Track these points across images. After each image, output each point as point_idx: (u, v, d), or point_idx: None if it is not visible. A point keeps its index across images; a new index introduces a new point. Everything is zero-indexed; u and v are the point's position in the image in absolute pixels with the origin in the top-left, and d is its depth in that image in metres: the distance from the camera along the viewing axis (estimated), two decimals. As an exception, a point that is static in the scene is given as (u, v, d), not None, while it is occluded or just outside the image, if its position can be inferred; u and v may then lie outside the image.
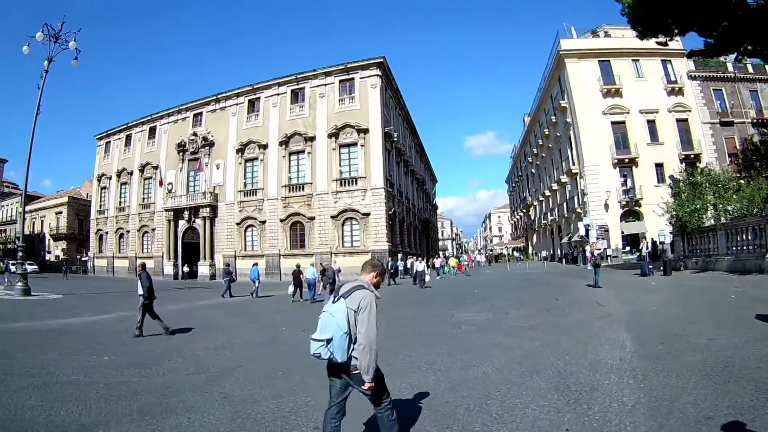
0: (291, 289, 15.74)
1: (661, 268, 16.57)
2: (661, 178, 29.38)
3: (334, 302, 2.86)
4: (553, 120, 37.52)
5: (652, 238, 20.97)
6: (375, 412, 3.03)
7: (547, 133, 40.49)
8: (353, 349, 2.79)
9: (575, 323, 7.91)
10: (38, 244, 60.25)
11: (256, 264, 19.28)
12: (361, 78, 29.76)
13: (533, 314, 9.21)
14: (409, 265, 23.72)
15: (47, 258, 56.14)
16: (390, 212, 28.43)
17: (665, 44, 15.06)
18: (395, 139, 31.31)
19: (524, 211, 60.12)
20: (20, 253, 18.26)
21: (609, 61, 31.81)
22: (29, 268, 41.27)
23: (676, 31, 13.77)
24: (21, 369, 5.62)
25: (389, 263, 21.19)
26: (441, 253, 56.90)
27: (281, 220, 30.86)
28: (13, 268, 31.93)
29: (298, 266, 16.62)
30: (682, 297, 10.87)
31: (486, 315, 9.58)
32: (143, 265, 9.34)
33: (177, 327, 9.24)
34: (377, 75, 29.30)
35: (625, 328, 7.02)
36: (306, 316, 11.32)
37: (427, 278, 17.22)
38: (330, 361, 2.83)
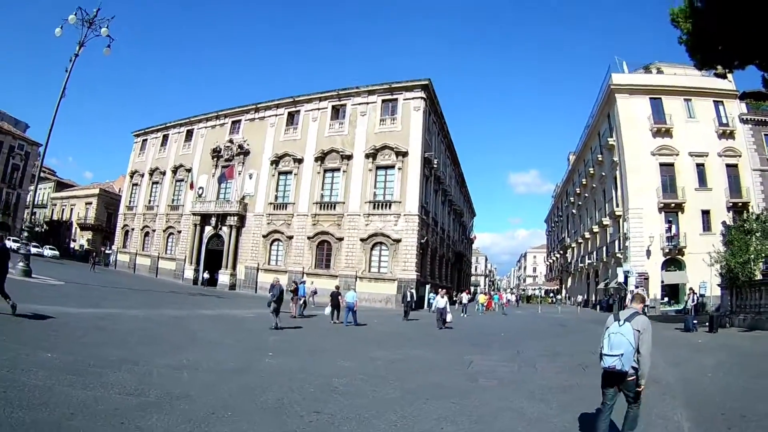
0: (328, 309, 16.54)
1: (706, 323, 16.09)
2: (707, 226, 29.09)
3: (620, 325, 3.81)
4: (599, 159, 37.39)
5: (695, 290, 20.42)
6: (629, 408, 4.03)
7: (591, 172, 40.37)
8: (633, 360, 3.79)
9: (616, 390, 7.06)
10: (65, 230, 63.60)
11: (303, 282, 20.05)
12: (404, 99, 30.45)
13: (566, 370, 8.43)
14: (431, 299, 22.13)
15: (72, 246, 59.24)
16: (422, 240, 28.67)
17: (724, 76, 14.94)
18: (435, 166, 31.79)
19: (561, 252, 59.96)
20: (25, 233, 19.44)
21: (660, 98, 31.85)
22: (50, 252, 44.02)
23: (736, 62, 13.55)
24: None
25: (408, 294, 20.28)
26: (474, 288, 56.73)
27: (309, 238, 31.44)
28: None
29: (338, 288, 17.83)
30: (737, 361, 9.94)
31: (510, 366, 8.81)
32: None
33: (158, 334, 9.36)
34: (421, 98, 29.97)
35: (679, 402, 6.12)
36: (306, 341, 11.33)
37: (449, 317, 16.15)
38: (612, 373, 3.79)
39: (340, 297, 16.51)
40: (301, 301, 17.86)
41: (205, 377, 6.09)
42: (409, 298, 19.76)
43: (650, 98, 31.91)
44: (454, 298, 29.89)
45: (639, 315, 3.94)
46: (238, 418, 4.44)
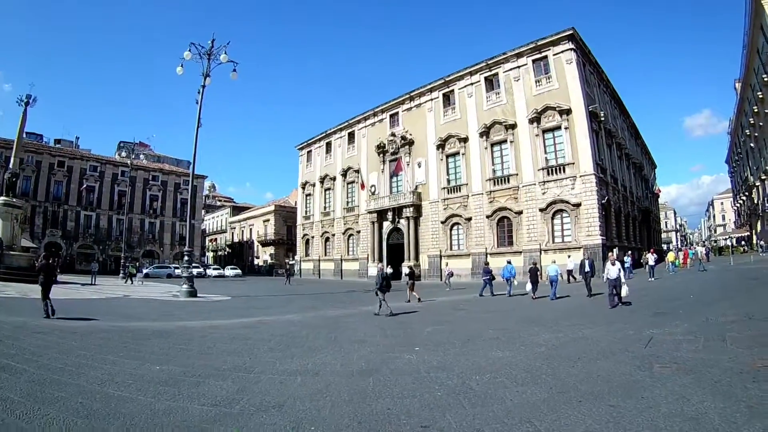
0: (529, 286, 20.65)
1: None
2: None
3: None
4: (765, 79, 37.34)
5: None
6: None
7: (761, 96, 40.17)
8: None
9: None
10: (246, 249, 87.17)
11: (509, 261, 24.62)
12: (554, 55, 36.23)
13: (759, 342, 8.32)
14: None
15: (255, 263, 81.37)
16: (603, 201, 34.03)
17: None
18: (602, 119, 36.91)
19: (746, 194, 58.74)
20: (186, 257, 24.67)
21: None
22: (231, 272, 64.63)
23: None
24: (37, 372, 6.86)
25: (585, 264, 20.84)
26: (665, 246, 58.51)
27: (487, 216, 39.62)
28: (144, 272, 47.29)
29: (535, 263, 22.33)
30: None
31: (695, 341, 8.77)
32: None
33: (299, 338, 11.31)
34: (570, 49, 35.34)
35: None
36: (469, 327, 12.96)
37: (625, 290, 15.29)
38: None
39: (538, 272, 20.66)
40: (510, 282, 22.43)
41: (319, 382, 6.81)
42: (587, 269, 20.22)
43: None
44: (641, 260, 33.83)
45: None
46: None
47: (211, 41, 24.06)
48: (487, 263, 26.06)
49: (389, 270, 45.56)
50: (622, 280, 15.49)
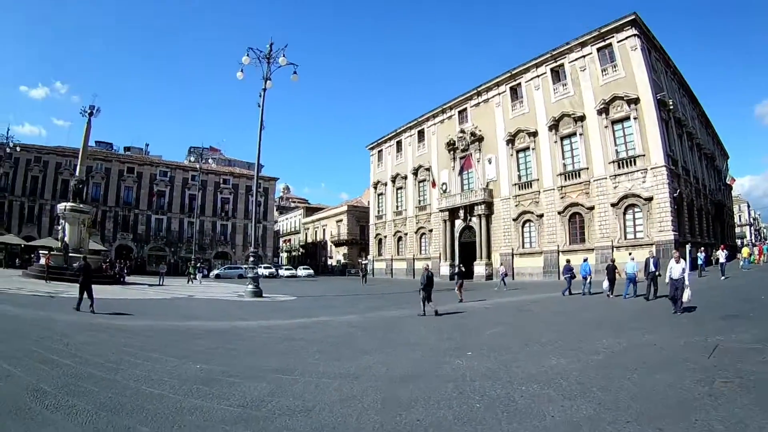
0: (606, 284, 21.66)
1: None
2: None
3: None
4: None
5: None
6: None
7: None
8: None
9: None
10: (320, 250, 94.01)
11: (586, 259, 26.73)
12: (618, 42, 38.02)
13: None
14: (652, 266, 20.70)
15: (328, 263, 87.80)
16: (675, 194, 35.53)
17: None
18: (671, 107, 38.37)
19: None
20: (251, 258, 27.08)
21: None
22: (304, 272, 73.24)
23: None
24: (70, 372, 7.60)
25: (650, 262, 20.55)
26: (739, 241, 57.84)
27: (559, 213, 41.86)
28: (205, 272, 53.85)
29: (613, 261, 23.79)
30: None
31: (763, 350, 8.79)
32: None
33: (351, 340, 12.22)
34: (634, 35, 37.00)
35: None
36: (533, 330, 13.45)
37: (687, 294, 14.08)
38: None
39: (616, 270, 21.54)
40: (587, 281, 23.85)
41: (356, 387, 7.21)
42: (652, 267, 20.07)
43: None
44: (711, 257, 34.71)
45: None
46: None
47: (270, 45, 26.38)
48: (568, 261, 27.20)
49: (449, 271, 48.95)
50: (686, 282, 14.44)
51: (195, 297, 27.25)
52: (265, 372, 8.21)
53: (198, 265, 54.94)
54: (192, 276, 44.27)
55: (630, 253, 26.06)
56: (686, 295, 14.21)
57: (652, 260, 20.61)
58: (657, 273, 19.89)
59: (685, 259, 16.99)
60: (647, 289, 19.76)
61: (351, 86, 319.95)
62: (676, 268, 14.88)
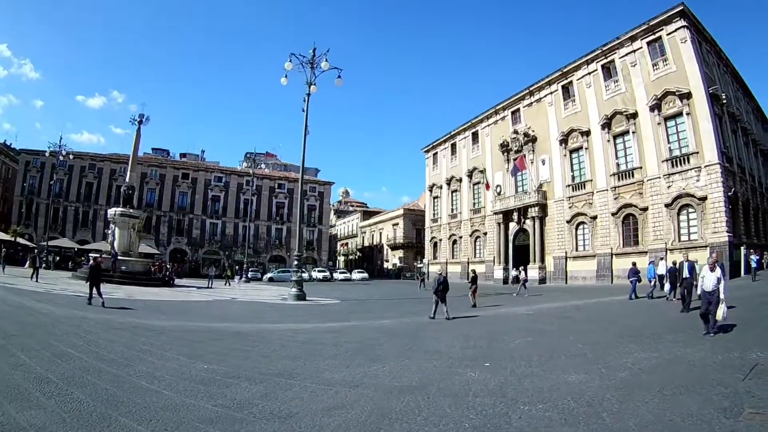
0: (668, 287, 22.18)
1: None
2: None
3: None
4: None
5: None
6: None
7: None
8: None
9: None
10: (376, 253, 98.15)
11: (652, 262, 27.97)
12: (667, 35, 38.43)
13: None
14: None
15: (384, 266, 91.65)
16: (729, 193, 35.40)
17: None
18: (724, 101, 38.32)
19: None
20: (296, 262, 28.52)
21: None
22: (358, 276, 76.96)
23: None
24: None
25: (684, 267, 19.57)
26: None
27: (612, 214, 42.49)
28: (248, 275, 56.68)
29: (675, 263, 22.11)
30: None
31: None
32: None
33: (373, 345, 12.48)
34: (684, 26, 37.27)
35: None
36: (564, 340, 12.93)
37: (722, 311, 11.91)
38: None
39: (677, 273, 20.81)
40: (652, 283, 24.72)
41: (351, 396, 7.38)
42: (686, 274, 18.62)
43: None
44: (762, 260, 33.50)
45: None
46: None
47: (313, 50, 27.85)
48: (634, 263, 27.29)
49: (502, 274, 50.78)
50: (721, 295, 11.97)
51: (237, 299, 28.82)
52: (267, 375, 8.58)
53: (236, 267, 58.41)
54: (229, 278, 46.80)
55: (696, 260, 24.57)
56: (720, 312, 11.94)
57: (686, 265, 18.85)
58: (692, 281, 17.58)
59: (723, 267, 14.96)
60: (681, 297, 18.49)
61: (413, 88, 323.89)
62: (709, 278, 12.49)
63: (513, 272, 49.95)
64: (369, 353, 11.19)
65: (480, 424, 5.94)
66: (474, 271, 27.39)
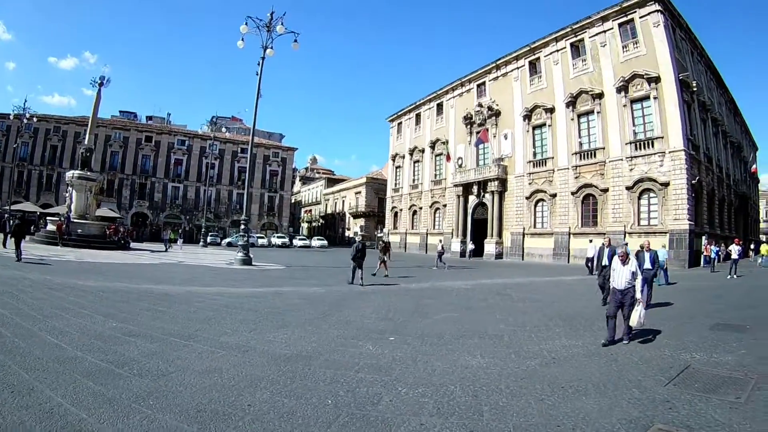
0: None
1: None
2: None
3: None
4: None
5: None
6: None
7: None
8: None
9: None
10: (338, 221, 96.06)
11: (664, 246, 27.45)
12: (640, 18, 36.86)
13: None
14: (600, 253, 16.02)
15: (346, 234, 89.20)
16: (693, 181, 34.47)
17: None
18: (694, 89, 37.14)
19: None
20: (242, 226, 27.85)
21: None
22: (317, 243, 74.80)
23: None
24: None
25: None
26: (765, 236, 56.62)
27: (572, 193, 41.46)
28: (207, 240, 57.42)
29: (642, 246, 18.38)
30: None
31: (742, 384, 6.63)
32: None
33: (292, 310, 12.51)
34: (657, 11, 35.71)
35: None
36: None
37: (637, 315, 9.01)
38: None
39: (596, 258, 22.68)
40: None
41: (231, 361, 7.19)
42: (606, 260, 14.28)
43: None
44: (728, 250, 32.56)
45: None
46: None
47: (270, 14, 26.71)
48: (626, 244, 25.53)
49: (459, 247, 49.67)
50: (637, 295, 9.06)
51: (184, 263, 27.95)
52: (167, 335, 8.58)
53: (180, 231, 56.05)
54: (173, 241, 44.62)
55: (664, 246, 25.10)
56: (636, 316, 9.02)
57: (607, 251, 14.65)
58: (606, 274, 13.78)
59: (639, 258, 13.26)
60: (600, 287, 14.63)
61: (381, 56, 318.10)
62: (620, 272, 9.35)
63: (470, 245, 49.36)
64: (279, 319, 11.04)
65: (344, 403, 5.56)
66: (384, 241, 26.84)
